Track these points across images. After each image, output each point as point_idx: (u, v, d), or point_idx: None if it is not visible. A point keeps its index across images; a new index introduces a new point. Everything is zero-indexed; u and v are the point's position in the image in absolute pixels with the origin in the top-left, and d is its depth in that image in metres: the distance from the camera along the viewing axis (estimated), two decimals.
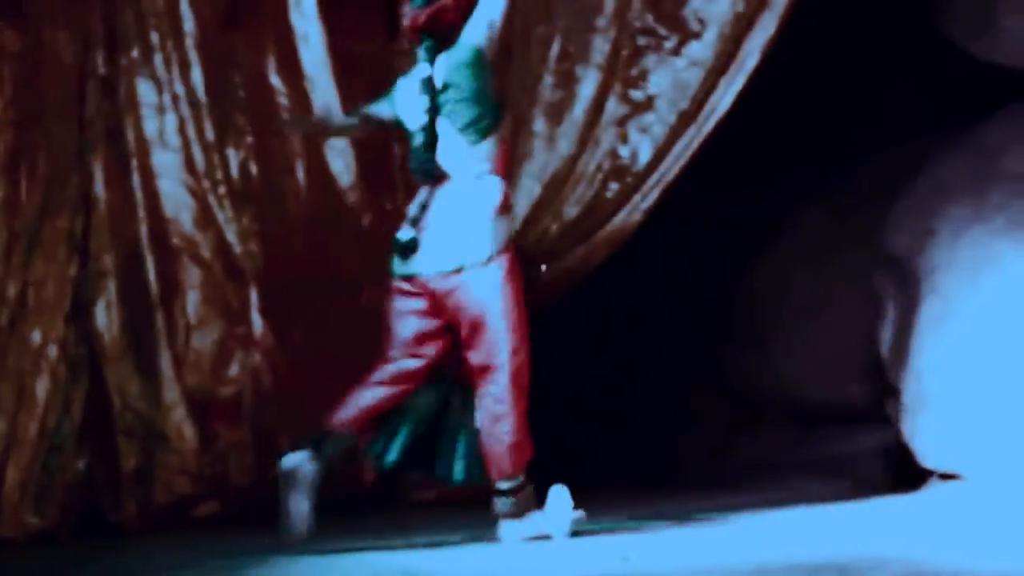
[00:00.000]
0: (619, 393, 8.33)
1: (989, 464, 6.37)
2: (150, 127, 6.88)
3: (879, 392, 7.00)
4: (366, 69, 7.10)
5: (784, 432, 7.77)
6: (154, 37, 6.92)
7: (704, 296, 8.03)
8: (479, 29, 5.34)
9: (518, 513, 5.24)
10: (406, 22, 5.51)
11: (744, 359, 7.92)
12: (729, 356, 8.02)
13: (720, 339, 8.06)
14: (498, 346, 5.21)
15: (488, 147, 5.30)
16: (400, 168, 6.99)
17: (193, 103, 6.96)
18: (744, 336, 7.92)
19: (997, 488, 6.29)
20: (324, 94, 7.02)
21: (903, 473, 6.97)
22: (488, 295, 5.21)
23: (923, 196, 6.82)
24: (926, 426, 6.57)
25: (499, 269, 5.24)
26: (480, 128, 5.28)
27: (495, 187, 5.29)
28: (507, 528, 5.26)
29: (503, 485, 5.23)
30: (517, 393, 5.21)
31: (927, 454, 6.71)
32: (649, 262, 7.75)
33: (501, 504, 5.25)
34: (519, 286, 5.29)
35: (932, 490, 6.71)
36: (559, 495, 5.31)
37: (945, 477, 6.71)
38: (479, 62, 5.31)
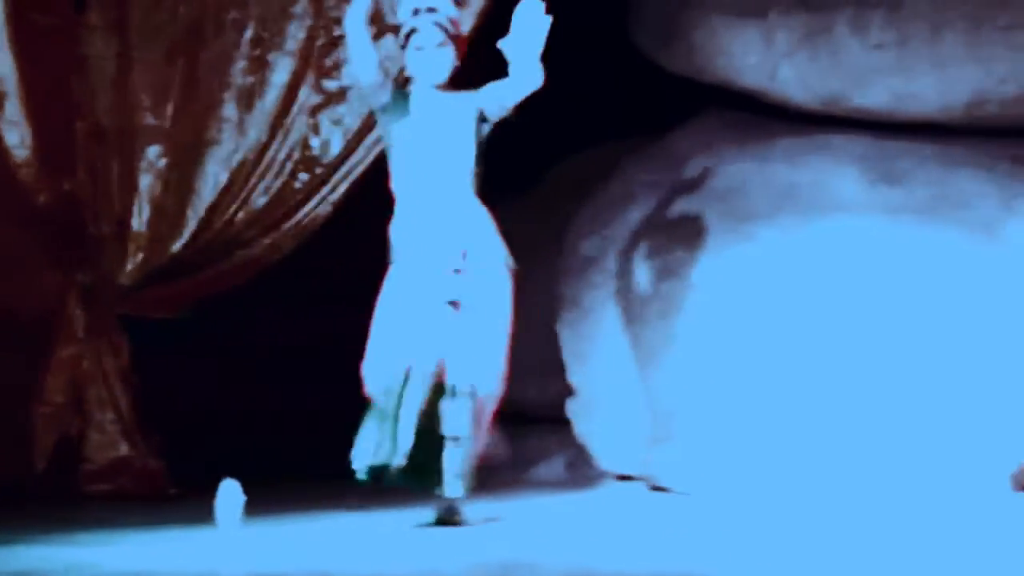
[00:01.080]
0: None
1: (662, 465, 6.62)
2: None
3: (559, 394, 7.16)
4: (51, 41, 6.83)
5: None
6: None
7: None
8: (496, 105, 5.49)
9: None
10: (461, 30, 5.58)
11: None
12: None
13: None
14: None
15: None
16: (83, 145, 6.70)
17: None
18: None
19: (670, 490, 6.56)
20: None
21: (581, 474, 7.21)
22: None
23: (611, 200, 7.06)
24: (600, 428, 6.84)
25: None
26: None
27: None
28: None
29: None
30: None
31: (602, 456, 6.96)
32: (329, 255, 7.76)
33: None
34: None
35: (605, 490, 6.94)
36: (228, 489, 5.33)
37: (622, 479, 6.96)
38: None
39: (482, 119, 5.48)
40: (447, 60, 5.47)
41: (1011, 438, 6.53)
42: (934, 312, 6.64)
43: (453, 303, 5.47)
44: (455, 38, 5.49)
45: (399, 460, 5.38)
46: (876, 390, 6.53)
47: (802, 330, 6.51)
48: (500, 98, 5.46)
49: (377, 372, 5.47)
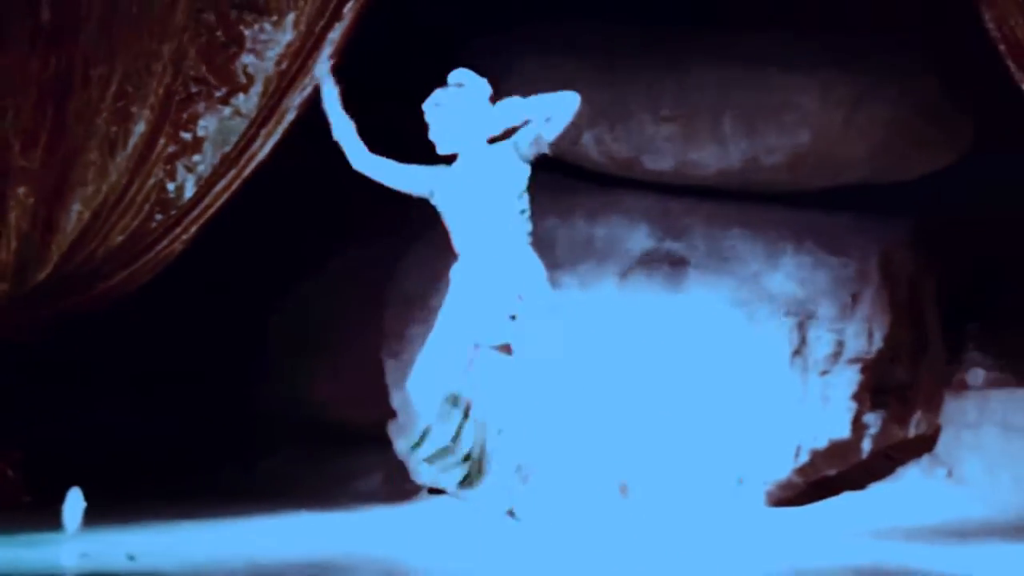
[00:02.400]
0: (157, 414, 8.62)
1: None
2: None
3: (382, 415, 7.81)
4: None
5: (302, 449, 8.39)
6: None
7: (237, 325, 8.59)
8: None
9: None
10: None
11: (273, 384, 8.55)
12: (260, 381, 8.61)
13: (249, 366, 8.63)
14: None
15: None
16: None
17: None
18: (274, 362, 8.57)
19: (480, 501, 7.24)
20: None
21: (398, 488, 7.82)
22: None
23: (435, 243, 7.67)
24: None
25: None
26: None
27: None
28: None
29: None
30: None
31: (418, 471, 7.54)
32: (182, 295, 8.15)
33: None
34: None
35: (421, 503, 7.58)
36: (74, 496, 5.98)
37: (433, 491, 7.60)
38: None
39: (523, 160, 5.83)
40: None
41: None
42: (706, 350, 7.57)
43: (504, 347, 5.79)
44: None
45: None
46: (649, 414, 7.37)
47: (594, 362, 7.22)
48: (534, 135, 5.79)
49: (427, 391, 5.84)
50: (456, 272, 5.90)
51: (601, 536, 6.11)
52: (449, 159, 5.95)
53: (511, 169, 5.85)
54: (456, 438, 5.80)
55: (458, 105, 5.89)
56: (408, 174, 5.95)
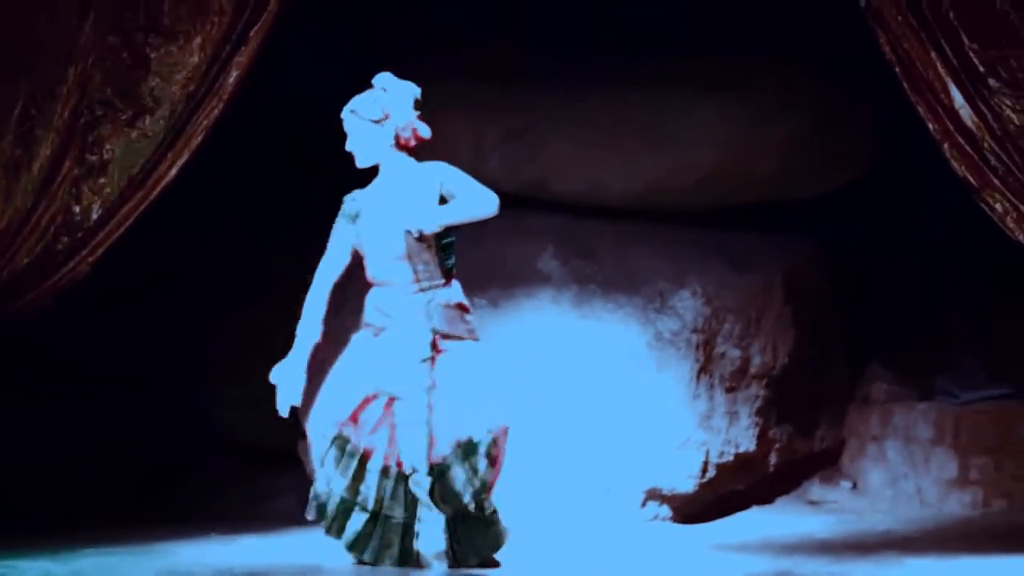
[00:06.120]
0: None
1: None
2: None
3: (293, 435, 7.77)
4: None
5: (213, 471, 8.38)
6: None
7: (145, 346, 8.58)
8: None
9: None
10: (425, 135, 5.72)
11: (184, 404, 8.54)
12: (170, 401, 8.58)
13: (159, 387, 8.61)
14: None
15: None
16: None
17: None
18: (184, 382, 8.55)
19: None
20: None
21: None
22: None
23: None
24: None
25: None
26: None
27: None
28: None
29: None
30: None
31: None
32: (85, 315, 8.16)
33: None
34: None
35: None
36: None
37: None
38: None
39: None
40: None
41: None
42: (613, 368, 7.66)
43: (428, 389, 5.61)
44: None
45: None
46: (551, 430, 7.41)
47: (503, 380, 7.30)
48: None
49: (322, 429, 5.72)
50: (370, 302, 5.78)
51: (507, 554, 6.14)
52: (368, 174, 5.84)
53: (433, 199, 5.72)
54: (355, 490, 5.69)
55: (378, 112, 5.71)
56: (336, 256, 5.83)
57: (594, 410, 7.56)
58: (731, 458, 7.85)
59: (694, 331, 7.81)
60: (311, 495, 5.84)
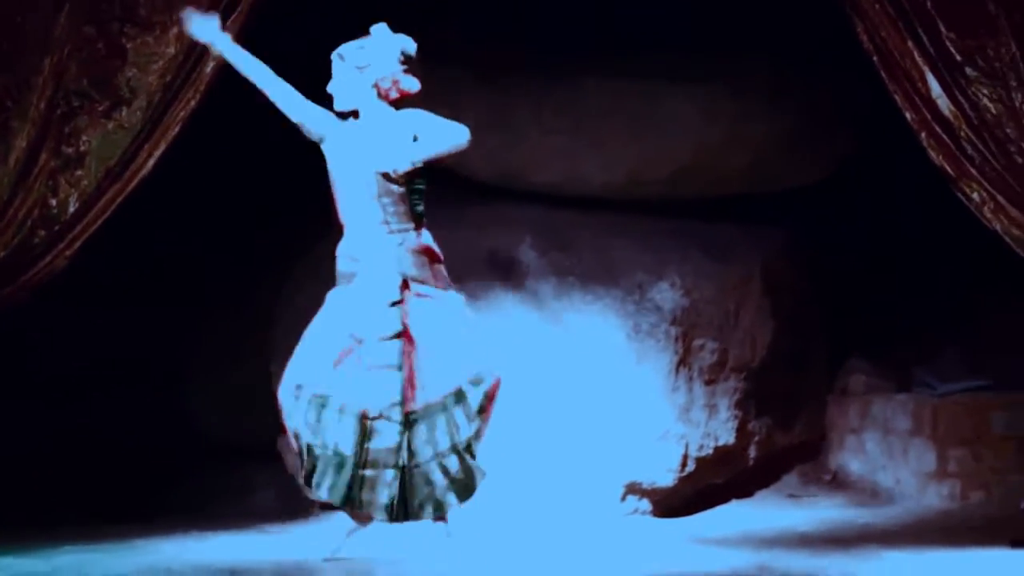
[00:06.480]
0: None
1: None
2: None
3: (274, 430, 7.79)
4: None
5: (199, 466, 8.33)
6: None
7: (123, 342, 8.56)
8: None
9: None
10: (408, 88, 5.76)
11: (162, 401, 8.51)
12: (147, 398, 8.54)
13: (138, 383, 8.59)
14: None
15: None
16: None
17: None
18: (164, 378, 8.53)
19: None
20: None
21: (290, 503, 7.78)
22: None
23: (325, 256, 7.72)
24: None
25: None
26: None
27: None
28: None
29: None
30: None
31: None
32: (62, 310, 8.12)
33: None
34: None
35: (317, 521, 7.52)
36: None
37: (324, 507, 7.55)
38: None
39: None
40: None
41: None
42: (592, 360, 7.65)
43: (399, 334, 5.58)
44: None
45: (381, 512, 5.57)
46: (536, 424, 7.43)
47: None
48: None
49: (292, 382, 5.66)
50: (341, 251, 5.76)
51: (485, 548, 6.13)
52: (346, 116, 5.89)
53: (406, 141, 5.79)
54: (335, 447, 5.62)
55: (362, 60, 5.83)
56: (307, 107, 5.85)
57: (572, 403, 7.55)
58: (710, 451, 7.85)
59: (673, 323, 7.81)
60: (303, 470, 5.74)
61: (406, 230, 5.74)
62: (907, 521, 7.36)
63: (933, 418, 7.98)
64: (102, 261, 7.08)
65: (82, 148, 6.83)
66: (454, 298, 5.84)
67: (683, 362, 7.82)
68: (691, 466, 7.77)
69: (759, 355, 8.05)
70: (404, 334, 5.60)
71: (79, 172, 6.84)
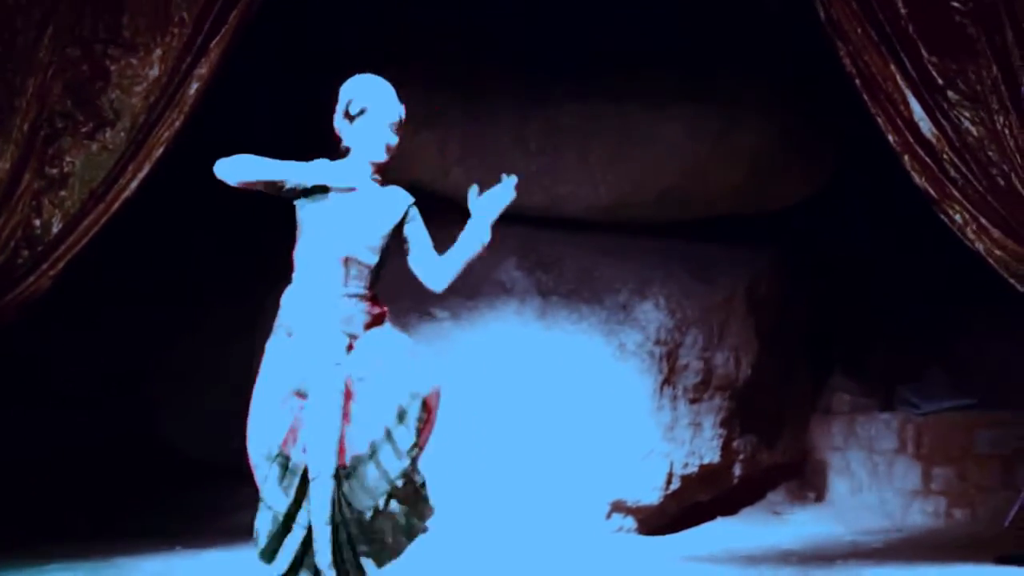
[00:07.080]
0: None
1: None
2: None
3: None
4: None
5: (180, 485, 8.34)
6: None
7: (102, 360, 8.57)
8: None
9: None
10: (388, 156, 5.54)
11: (134, 419, 8.54)
12: (121, 416, 8.56)
13: (112, 401, 8.60)
14: None
15: None
16: None
17: None
18: (136, 398, 8.55)
19: None
20: None
21: None
22: None
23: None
24: None
25: None
26: None
27: None
28: None
29: None
30: None
31: None
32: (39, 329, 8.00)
33: None
34: None
35: None
36: None
37: None
38: None
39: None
40: None
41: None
42: (577, 379, 7.67)
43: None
44: None
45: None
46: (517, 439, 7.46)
47: (466, 391, 7.35)
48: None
49: (261, 450, 5.39)
50: (289, 301, 5.45)
51: (472, 565, 6.13)
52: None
53: (395, 210, 5.57)
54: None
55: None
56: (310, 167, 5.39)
57: (558, 422, 7.56)
58: (695, 469, 7.87)
59: (657, 342, 7.83)
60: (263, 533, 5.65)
61: (363, 296, 5.51)
62: (892, 539, 7.38)
63: (917, 436, 8.01)
64: (79, 277, 7.04)
65: (66, 169, 6.84)
66: (383, 331, 5.71)
67: (668, 381, 7.83)
68: (676, 484, 7.78)
69: (743, 374, 8.07)
70: (345, 391, 5.40)
71: (63, 193, 6.84)
